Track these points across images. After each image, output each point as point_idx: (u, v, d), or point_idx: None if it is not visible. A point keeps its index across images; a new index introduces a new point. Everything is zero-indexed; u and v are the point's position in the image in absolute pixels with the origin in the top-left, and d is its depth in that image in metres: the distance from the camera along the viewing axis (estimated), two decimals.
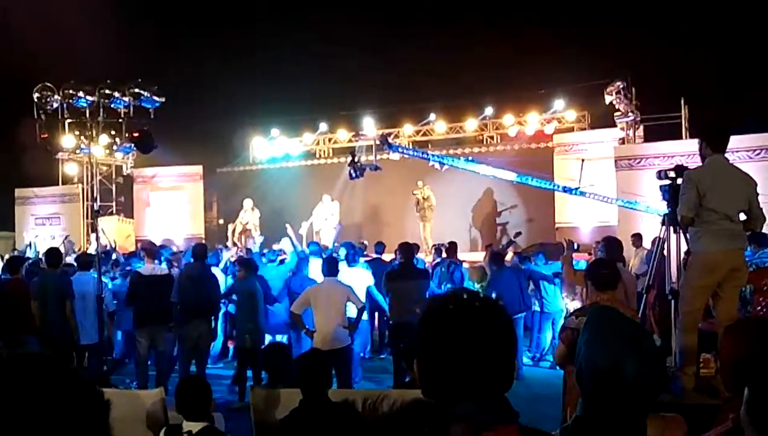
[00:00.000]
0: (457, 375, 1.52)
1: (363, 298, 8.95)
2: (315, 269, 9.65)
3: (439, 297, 1.66)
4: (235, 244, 17.78)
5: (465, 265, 13.08)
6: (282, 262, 11.32)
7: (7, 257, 12.39)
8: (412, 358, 5.38)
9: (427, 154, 16.14)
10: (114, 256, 12.80)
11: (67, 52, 16.07)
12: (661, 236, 5.81)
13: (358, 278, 9.42)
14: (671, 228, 5.69)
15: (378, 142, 16.62)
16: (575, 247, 7.72)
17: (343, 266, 9.60)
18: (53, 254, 8.93)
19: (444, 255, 11.66)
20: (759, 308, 6.31)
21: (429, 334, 1.58)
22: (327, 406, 4.09)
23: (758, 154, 13.77)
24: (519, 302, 9.93)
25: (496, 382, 1.54)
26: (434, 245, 13.86)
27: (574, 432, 1.74)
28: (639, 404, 1.67)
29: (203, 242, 15.63)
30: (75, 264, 9.89)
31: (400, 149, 16.56)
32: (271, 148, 22.84)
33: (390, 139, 17.90)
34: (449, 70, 19.71)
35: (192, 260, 9.10)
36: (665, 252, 5.82)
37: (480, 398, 1.51)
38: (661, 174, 5.72)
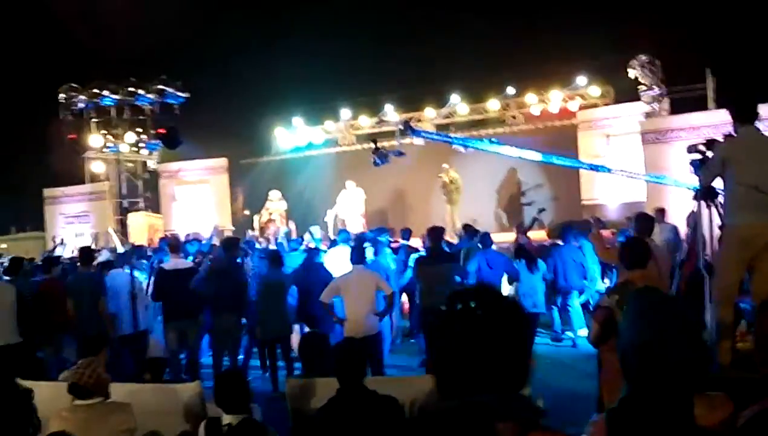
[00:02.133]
0: (471, 372, 1.52)
1: None
2: (345, 256, 9.64)
3: (456, 294, 1.66)
4: (261, 233, 17.88)
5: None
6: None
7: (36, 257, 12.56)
8: None
9: (450, 138, 16.06)
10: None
11: (91, 51, 16.20)
12: (695, 211, 5.76)
13: None
14: (704, 202, 5.64)
15: (401, 127, 16.59)
16: (602, 224, 7.58)
17: None
18: (86, 253, 9.05)
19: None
20: None
21: (444, 331, 1.58)
22: (364, 394, 4.11)
23: None
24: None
25: (509, 379, 1.55)
26: (464, 225, 13.84)
27: (621, 414, 1.73)
28: (686, 384, 1.66)
29: (232, 234, 15.75)
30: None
31: (423, 134, 16.47)
32: (294, 137, 22.89)
33: (412, 124, 17.84)
34: (469, 51, 19.51)
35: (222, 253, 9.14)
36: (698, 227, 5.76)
37: (495, 393, 1.52)
38: (692, 148, 5.66)
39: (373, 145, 14.46)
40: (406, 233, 12.25)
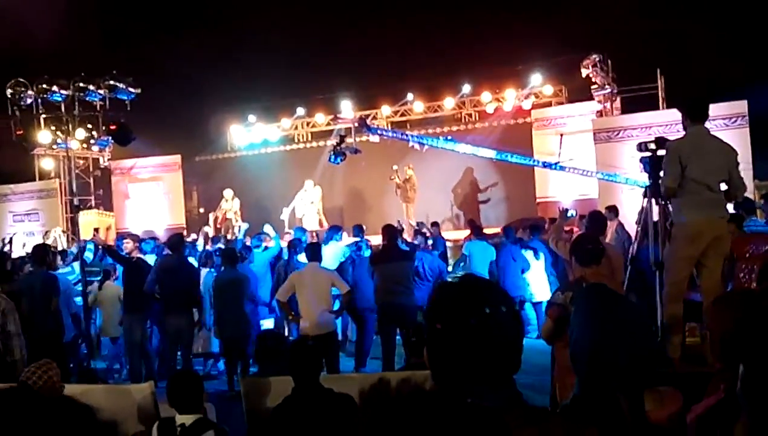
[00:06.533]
0: (470, 360, 1.54)
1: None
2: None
3: (446, 284, 1.69)
4: (217, 232, 17.67)
5: (448, 243, 13.11)
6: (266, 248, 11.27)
7: None
8: (413, 342, 5.34)
9: (407, 135, 16.14)
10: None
11: (40, 46, 15.84)
12: (644, 208, 5.86)
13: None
14: (653, 200, 5.74)
15: (356, 125, 16.57)
16: (570, 215, 7.24)
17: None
18: (38, 252, 8.83)
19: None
20: (742, 274, 6.38)
21: (439, 320, 1.60)
22: (319, 392, 4.10)
23: (734, 121, 13.88)
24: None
25: (507, 365, 1.58)
26: (418, 224, 13.91)
27: (573, 411, 1.75)
28: (635, 380, 1.69)
29: (182, 232, 15.52)
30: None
31: (379, 131, 16.51)
32: (249, 134, 22.69)
33: (368, 122, 17.84)
34: (425, 48, 19.62)
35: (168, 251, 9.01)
36: (648, 223, 5.86)
37: (492, 382, 1.54)
38: (642, 146, 5.76)
39: (338, 140, 14.44)
40: (358, 230, 12.00)
